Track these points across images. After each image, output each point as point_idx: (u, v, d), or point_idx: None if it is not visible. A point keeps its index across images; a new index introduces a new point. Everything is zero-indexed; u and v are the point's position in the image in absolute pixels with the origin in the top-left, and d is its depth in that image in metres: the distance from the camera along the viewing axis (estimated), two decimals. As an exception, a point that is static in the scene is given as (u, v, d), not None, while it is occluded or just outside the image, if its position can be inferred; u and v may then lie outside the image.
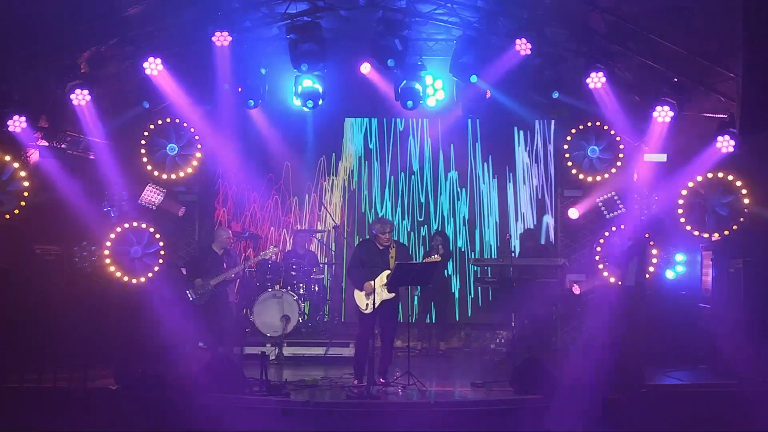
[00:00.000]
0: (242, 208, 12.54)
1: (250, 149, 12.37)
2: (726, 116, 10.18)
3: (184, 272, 10.81)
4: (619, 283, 10.24)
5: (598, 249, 11.01)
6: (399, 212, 12.65)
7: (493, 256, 12.33)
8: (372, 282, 8.58)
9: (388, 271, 8.60)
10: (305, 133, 12.35)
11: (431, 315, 11.65)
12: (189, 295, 10.06)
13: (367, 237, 9.71)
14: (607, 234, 11.00)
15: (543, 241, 12.30)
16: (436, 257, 9.55)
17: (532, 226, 12.43)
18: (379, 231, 8.72)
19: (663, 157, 10.65)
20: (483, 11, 10.81)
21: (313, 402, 7.96)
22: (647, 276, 10.43)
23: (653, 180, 10.84)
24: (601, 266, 10.87)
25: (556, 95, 10.62)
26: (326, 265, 12.14)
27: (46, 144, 10.24)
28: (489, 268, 11.55)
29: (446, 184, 12.70)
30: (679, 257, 10.78)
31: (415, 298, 11.53)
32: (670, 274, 10.77)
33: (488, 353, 11.48)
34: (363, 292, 8.63)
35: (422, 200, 12.69)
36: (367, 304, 8.61)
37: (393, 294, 8.70)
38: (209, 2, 10.50)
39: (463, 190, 12.66)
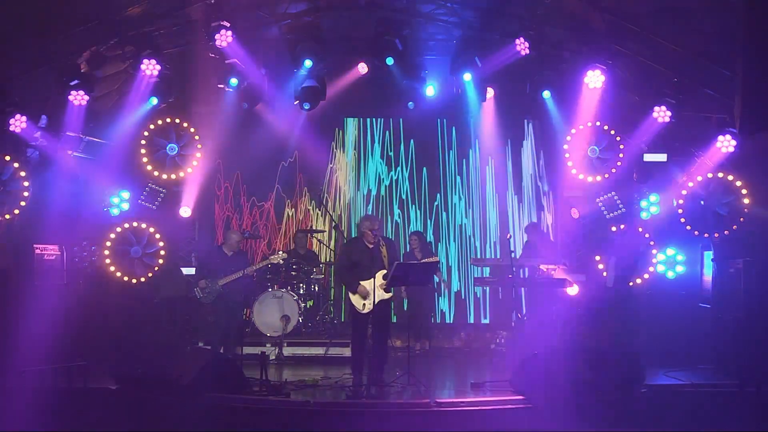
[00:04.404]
0: (242, 208, 12.55)
1: (250, 149, 12.39)
2: (726, 116, 10.17)
3: (187, 272, 10.85)
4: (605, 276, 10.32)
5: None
6: (398, 211, 12.66)
7: (494, 256, 12.34)
8: (371, 281, 8.56)
9: (384, 271, 8.57)
10: (305, 133, 12.34)
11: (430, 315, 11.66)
12: (196, 294, 10.08)
13: (354, 236, 9.66)
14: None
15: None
16: (435, 258, 9.55)
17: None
18: (368, 228, 8.63)
19: (663, 157, 10.64)
20: (483, 11, 10.82)
21: (313, 402, 7.96)
22: (638, 280, 10.44)
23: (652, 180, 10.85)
24: (601, 266, 10.86)
25: (547, 95, 10.63)
26: (326, 265, 12.14)
27: (46, 144, 10.23)
28: (489, 268, 11.55)
29: (446, 183, 12.70)
30: (680, 257, 10.77)
31: (404, 301, 11.53)
32: (670, 274, 10.76)
33: (488, 353, 11.49)
34: (358, 294, 8.60)
35: (422, 199, 12.70)
36: (364, 304, 8.58)
37: (390, 294, 8.69)
38: (209, 2, 10.50)
39: (463, 189, 12.67)
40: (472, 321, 12.45)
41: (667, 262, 10.84)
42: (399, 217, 12.69)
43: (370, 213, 12.15)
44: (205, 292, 10.00)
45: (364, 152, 12.79)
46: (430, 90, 11.35)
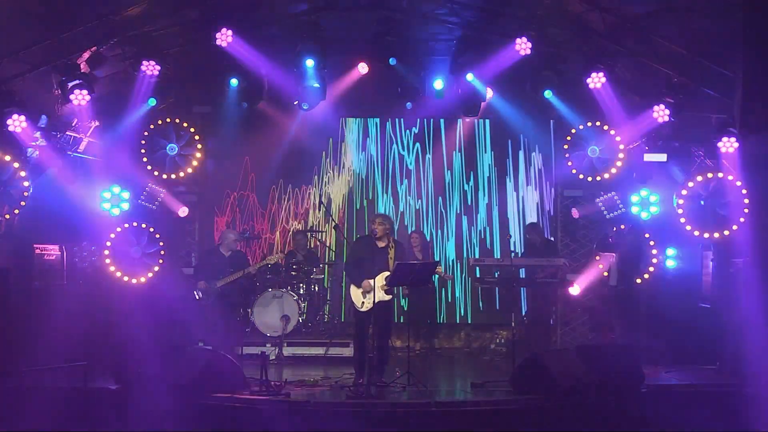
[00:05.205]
0: (242, 208, 12.55)
1: (250, 149, 12.40)
2: (726, 116, 10.18)
3: (186, 272, 10.85)
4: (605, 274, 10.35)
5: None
6: (398, 212, 12.66)
7: (494, 256, 12.34)
8: (371, 280, 8.57)
9: (387, 273, 8.57)
10: (305, 133, 12.33)
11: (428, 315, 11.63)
12: (195, 295, 10.09)
13: (366, 234, 9.66)
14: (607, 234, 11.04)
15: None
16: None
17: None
18: (371, 222, 8.71)
19: (663, 157, 10.65)
20: (483, 11, 10.82)
21: (313, 402, 7.96)
22: (637, 279, 10.45)
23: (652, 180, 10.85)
24: (600, 266, 10.88)
25: (549, 94, 10.63)
26: (326, 265, 12.14)
27: (46, 144, 10.24)
28: (489, 268, 11.53)
29: (446, 183, 12.69)
30: (671, 251, 10.76)
31: (405, 300, 11.52)
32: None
33: (488, 353, 11.49)
34: (360, 290, 8.61)
35: (423, 199, 12.70)
36: (363, 302, 8.59)
37: (390, 296, 8.70)
38: (210, 2, 10.50)
39: (463, 189, 12.66)
40: (472, 321, 12.43)
41: (667, 262, 10.89)
42: (397, 216, 12.68)
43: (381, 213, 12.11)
44: (205, 293, 10.02)
45: (364, 152, 12.78)
46: (437, 84, 11.34)
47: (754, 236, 9.83)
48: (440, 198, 12.68)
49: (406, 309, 11.63)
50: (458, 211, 12.65)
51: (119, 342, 9.46)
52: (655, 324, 10.54)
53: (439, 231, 12.64)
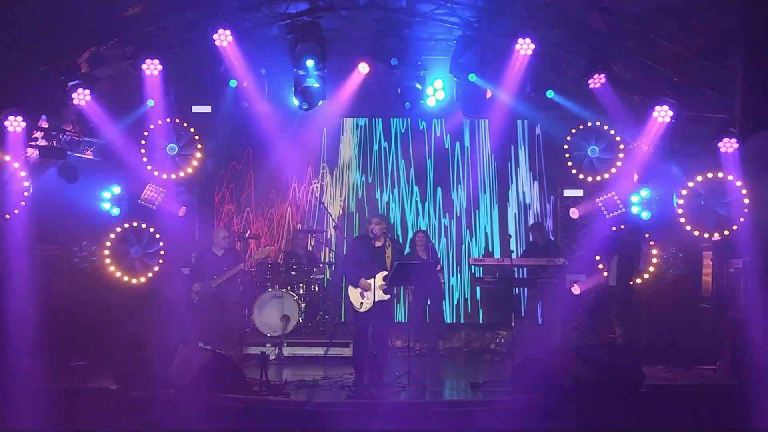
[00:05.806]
0: (242, 208, 12.55)
1: (250, 149, 12.40)
2: (726, 116, 10.18)
3: (186, 272, 10.85)
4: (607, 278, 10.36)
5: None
6: (398, 211, 12.66)
7: (494, 256, 12.34)
8: (371, 281, 8.56)
9: (385, 273, 8.57)
10: (304, 133, 12.34)
11: (427, 315, 11.63)
12: (193, 297, 10.09)
13: (364, 233, 9.66)
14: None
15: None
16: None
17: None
18: (368, 222, 8.74)
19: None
20: (483, 11, 10.81)
21: (313, 402, 7.96)
22: (638, 279, 10.45)
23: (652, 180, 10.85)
24: (600, 266, 10.87)
25: (551, 94, 10.62)
26: (326, 265, 12.14)
27: (46, 144, 10.23)
28: (489, 268, 11.54)
29: (446, 183, 12.69)
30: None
31: (407, 297, 11.53)
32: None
33: (488, 353, 11.48)
34: (357, 290, 8.60)
35: (421, 200, 12.70)
36: (361, 303, 8.59)
37: (388, 296, 8.69)
38: (210, 2, 10.50)
39: (463, 189, 12.66)
40: (472, 321, 12.41)
41: (667, 261, 10.89)
42: (399, 217, 12.69)
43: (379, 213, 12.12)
44: (201, 294, 10.01)
45: (364, 152, 12.78)
46: (437, 84, 11.33)
47: (754, 236, 9.84)
48: (440, 198, 12.67)
49: (407, 309, 11.62)
50: (458, 211, 12.65)
51: (119, 342, 9.48)
52: (655, 324, 10.54)
53: (439, 230, 12.64)
